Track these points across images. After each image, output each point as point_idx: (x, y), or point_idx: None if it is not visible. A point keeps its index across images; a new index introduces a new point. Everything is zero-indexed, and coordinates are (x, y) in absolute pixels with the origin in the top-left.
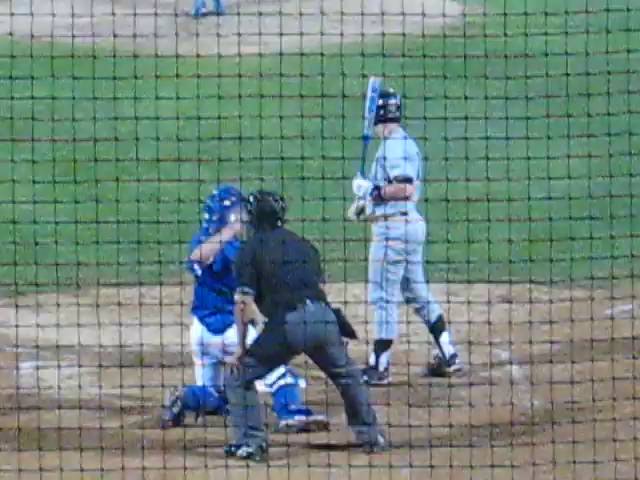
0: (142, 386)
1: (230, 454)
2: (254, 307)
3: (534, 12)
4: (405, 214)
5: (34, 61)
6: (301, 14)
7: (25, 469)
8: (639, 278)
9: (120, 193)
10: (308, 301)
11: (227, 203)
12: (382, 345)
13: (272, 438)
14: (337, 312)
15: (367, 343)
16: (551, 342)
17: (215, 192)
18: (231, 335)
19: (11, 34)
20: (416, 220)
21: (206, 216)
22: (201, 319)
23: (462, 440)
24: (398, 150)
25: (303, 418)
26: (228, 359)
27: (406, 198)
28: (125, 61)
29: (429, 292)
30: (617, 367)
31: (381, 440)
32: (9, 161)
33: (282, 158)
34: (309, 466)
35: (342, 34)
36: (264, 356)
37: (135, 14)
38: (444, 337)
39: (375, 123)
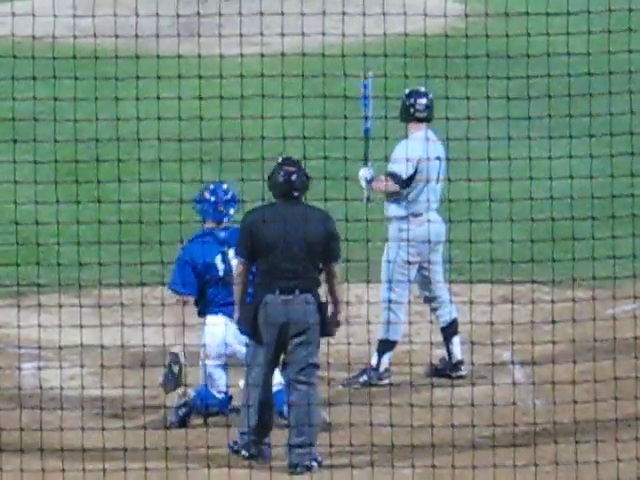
0: (144, 386)
1: (234, 452)
2: None
3: (536, 12)
4: (418, 215)
5: (36, 62)
6: (303, 14)
7: (27, 469)
8: None
9: (122, 193)
10: (297, 292)
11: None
12: (386, 346)
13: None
14: (322, 308)
15: (369, 343)
16: (553, 342)
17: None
18: None
19: (13, 35)
20: (433, 221)
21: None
22: (230, 316)
23: (464, 440)
24: (406, 150)
25: None
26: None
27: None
28: (127, 61)
29: (449, 293)
30: (619, 367)
31: (315, 465)
32: (11, 162)
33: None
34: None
35: (344, 34)
36: (250, 330)
37: (137, 15)
38: (455, 341)
39: (403, 121)
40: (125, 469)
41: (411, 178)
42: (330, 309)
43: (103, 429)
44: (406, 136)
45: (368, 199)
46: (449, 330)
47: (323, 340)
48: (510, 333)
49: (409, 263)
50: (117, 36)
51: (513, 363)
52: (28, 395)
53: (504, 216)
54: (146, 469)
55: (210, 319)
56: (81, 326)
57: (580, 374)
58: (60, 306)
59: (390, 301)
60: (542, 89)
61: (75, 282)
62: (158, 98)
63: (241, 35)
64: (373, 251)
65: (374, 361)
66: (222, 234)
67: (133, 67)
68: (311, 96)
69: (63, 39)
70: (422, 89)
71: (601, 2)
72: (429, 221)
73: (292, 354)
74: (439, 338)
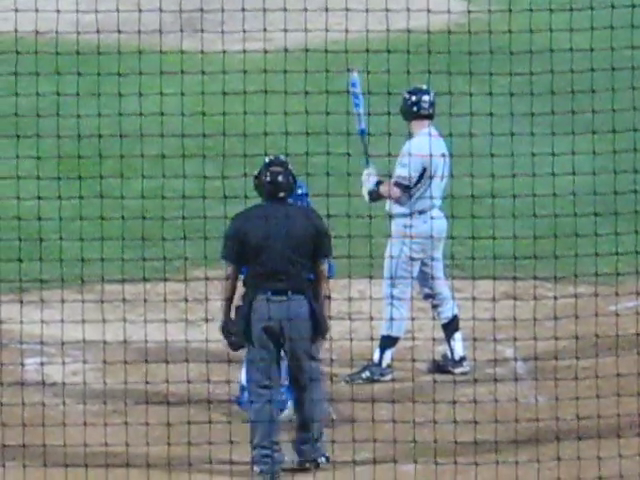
0: (147, 382)
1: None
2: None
3: (538, 8)
4: (423, 213)
5: (39, 57)
6: (305, 10)
7: (30, 465)
8: None
9: (125, 189)
10: (289, 292)
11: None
12: (388, 342)
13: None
14: (314, 308)
15: (372, 339)
16: (556, 338)
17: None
18: None
19: (16, 30)
20: (436, 217)
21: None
22: None
23: (466, 437)
24: (413, 149)
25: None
26: None
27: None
28: (130, 57)
29: (450, 289)
30: (622, 363)
31: (323, 460)
32: (14, 157)
33: (287, 154)
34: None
35: (347, 30)
36: (242, 332)
37: (140, 10)
38: (456, 337)
39: (407, 119)
40: (128, 465)
41: (420, 176)
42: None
43: (105, 425)
44: (410, 135)
45: (376, 199)
46: (450, 327)
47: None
48: (512, 329)
49: (412, 259)
50: (120, 32)
51: (515, 359)
52: (30, 390)
53: (507, 212)
54: (149, 465)
55: None
56: (83, 322)
57: (582, 370)
58: (63, 302)
59: (393, 297)
60: (545, 85)
61: (78, 278)
62: (161, 94)
63: (244, 31)
64: (376, 247)
65: (376, 357)
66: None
67: (136, 63)
68: (314, 92)
69: (66, 35)
70: (424, 86)
71: None
72: (432, 218)
73: (291, 353)
74: (441, 334)
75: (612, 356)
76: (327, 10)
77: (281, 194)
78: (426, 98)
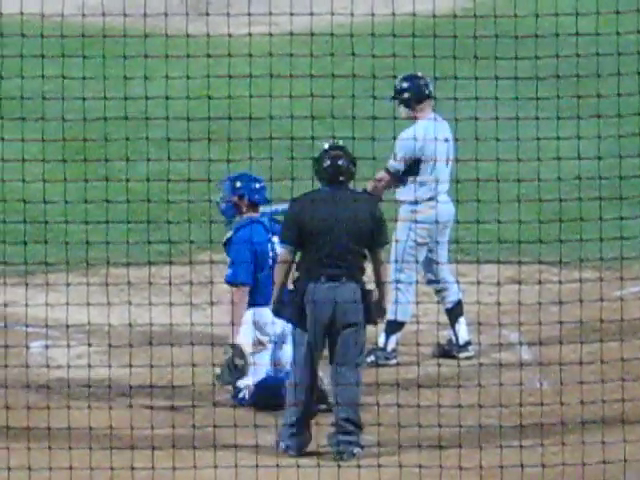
0: (151, 366)
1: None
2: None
3: None
4: (431, 199)
5: (44, 40)
6: None
7: (34, 447)
8: None
9: (130, 172)
10: (343, 279)
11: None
12: (394, 326)
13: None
14: (367, 294)
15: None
16: (560, 323)
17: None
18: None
19: (22, 13)
20: (443, 202)
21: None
22: None
23: (471, 421)
24: (412, 133)
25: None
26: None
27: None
28: (135, 40)
29: (453, 274)
30: (626, 348)
31: (359, 450)
32: (19, 140)
33: (292, 138)
34: (318, 452)
35: (352, 14)
36: (294, 316)
37: None
38: (461, 322)
39: (407, 106)
40: (133, 448)
41: (418, 162)
42: (375, 295)
43: (110, 408)
44: (415, 119)
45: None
46: (454, 311)
47: None
48: (517, 314)
49: (418, 244)
50: (126, 15)
51: (520, 344)
52: (35, 373)
53: (512, 197)
54: (153, 448)
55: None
56: (88, 305)
57: (587, 355)
58: (68, 285)
59: (398, 282)
60: (550, 70)
61: (83, 261)
62: (167, 77)
63: (250, 14)
64: None
65: (382, 341)
66: (266, 220)
67: (142, 46)
68: (320, 75)
69: (72, 17)
70: (419, 74)
71: None
72: (439, 202)
73: (341, 338)
74: (446, 318)
75: (617, 341)
76: None
77: (341, 178)
78: (421, 82)
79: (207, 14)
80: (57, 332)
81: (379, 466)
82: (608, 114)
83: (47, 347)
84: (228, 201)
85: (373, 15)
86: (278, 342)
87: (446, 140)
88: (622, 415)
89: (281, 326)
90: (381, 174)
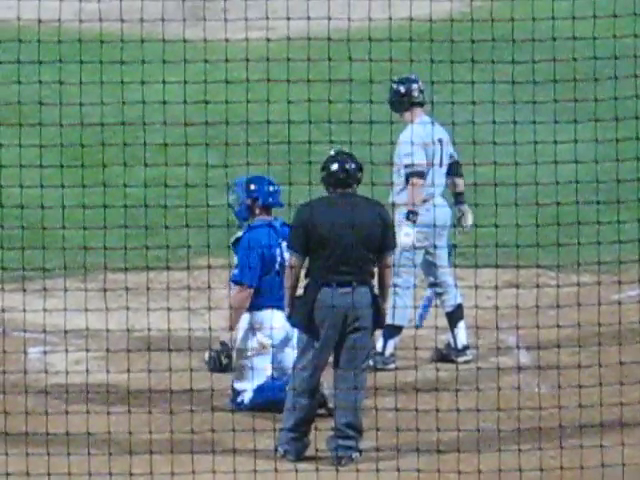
0: (149, 371)
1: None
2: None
3: None
4: (426, 201)
5: (41, 46)
6: None
7: (32, 453)
8: None
9: (127, 178)
10: (354, 284)
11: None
12: (392, 331)
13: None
14: (377, 299)
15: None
16: (558, 327)
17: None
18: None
19: (19, 18)
20: (439, 205)
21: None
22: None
23: (469, 425)
24: (413, 137)
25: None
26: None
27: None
28: (132, 46)
29: (453, 278)
30: (624, 352)
31: (357, 455)
32: (16, 145)
33: (289, 143)
34: (317, 457)
35: (349, 19)
36: (304, 323)
37: None
38: (460, 326)
39: (399, 111)
40: (131, 453)
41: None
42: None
43: (109, 413)
44: (410, 122)
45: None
46: (454, 315)
47: None
48: (515, 317)
49: (415, 248)
50: (123, 20)
51: (518, 347)
52: (33, 379)
53: (509, 200)
54: (152, 453)
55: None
56: (86, 310)
57: (585, 359)
58: (65, 290)
59: (396, 286)
60: (547, 73)
61: (80, 266)
62: (164, 82)
63: (247, 19)
64: None
65: (380, 346)
66: (278, 224)
67: (139, 51)
68: (317, 80)
69: (69, 23)
70: (413, 76)
71: None
72: (435, 206)
73: (346, 342)
74: (445, 322)
75: (615, 345)
76: None
77: (349, 183)
78: (415, 86)
79: (204, 19)
80: (55, 338)
81: (377, 470)
82: (605, 118)
83: (45, 353)
84: (242, 203)
85: (370, 20)
86: (280, 346)
87: (440, 142)
88: (620, 419)
89: (284, 330)
90: (414, 180)
